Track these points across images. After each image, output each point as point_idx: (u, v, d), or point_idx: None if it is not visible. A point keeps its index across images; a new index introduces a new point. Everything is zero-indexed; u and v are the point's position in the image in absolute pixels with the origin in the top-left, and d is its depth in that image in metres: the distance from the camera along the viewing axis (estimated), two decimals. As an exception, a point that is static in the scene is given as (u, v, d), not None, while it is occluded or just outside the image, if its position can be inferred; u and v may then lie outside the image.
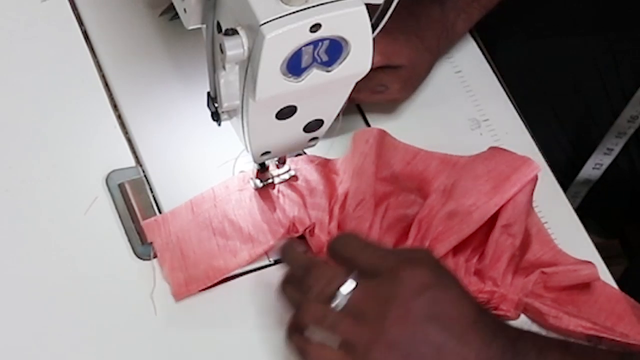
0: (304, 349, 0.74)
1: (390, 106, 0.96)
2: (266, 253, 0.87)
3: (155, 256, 0.85)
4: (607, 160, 1.11)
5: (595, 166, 1.12)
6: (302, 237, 0.88)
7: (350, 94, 0.79)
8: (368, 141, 0.89)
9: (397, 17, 0.85)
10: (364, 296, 0.72)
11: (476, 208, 0.86)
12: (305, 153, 0.91)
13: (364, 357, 0.71)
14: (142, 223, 0.86)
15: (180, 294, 0.84)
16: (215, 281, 0.85)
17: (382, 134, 0.91)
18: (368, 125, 0.95)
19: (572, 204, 0.94)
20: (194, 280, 0.84)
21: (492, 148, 0.91)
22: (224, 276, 0.85)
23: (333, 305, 0.72)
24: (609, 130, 1.10)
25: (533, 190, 0.89)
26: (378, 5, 0.74)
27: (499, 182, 0.87)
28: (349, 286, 0.73)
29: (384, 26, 0.73)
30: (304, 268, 0.76)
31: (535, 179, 0.89)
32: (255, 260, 0.86)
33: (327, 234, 0.87)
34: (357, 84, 0.78)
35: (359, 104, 0.95)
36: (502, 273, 0.86)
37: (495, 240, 0.87)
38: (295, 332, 0.75)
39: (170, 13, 0.96)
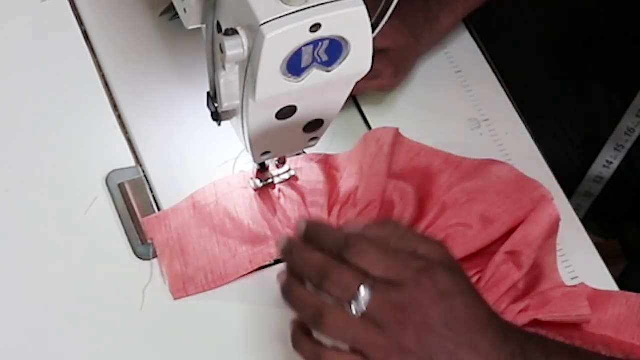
0: (319, 354, 0.72)
1: (389, 105, 0.95)
2: (266, 259, 0.86)
3: (155, 256, 0.85)
4: (618, 157, 1.10)
5: (605, 164, 1.11)
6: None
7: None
8: (379, 141, 0.89)
9: (378, 4, 0.83)
10: (383, 304, 0.70)
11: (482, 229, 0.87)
12: (305, 153, 0.91)
13: None
14: (142, 220, 0.86)
15: (178, 292, 0.84)
16: (214, 287, 0.85)
17: (396, 135, 0.90)
18: (367, 123, 0.95)
19: (583, 203, 0.93)
20: (193, 282, 0.84)
21: (503, 165, 0.90)
22: (223, 284, 0.85)
23: (353, 312, 0.69)
24: (617, 126, 1.09)
25: (554, 231, 0.88)
26: (378, 5, 0.74)
27: (515, 218, 0.87)
28: (367, 293, 0.69)
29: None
30: (317, 270, 0.71)
31: (557, 220, 0.89)
32: (255, 266, 0.86)
33: None
34: None
35: (355, 96, 0.94)
36: (496, 300, 0.85)
37: (496, 266, 0.86)
38: (304, 334, 0.73)
39: (170, 13, 0.96)
